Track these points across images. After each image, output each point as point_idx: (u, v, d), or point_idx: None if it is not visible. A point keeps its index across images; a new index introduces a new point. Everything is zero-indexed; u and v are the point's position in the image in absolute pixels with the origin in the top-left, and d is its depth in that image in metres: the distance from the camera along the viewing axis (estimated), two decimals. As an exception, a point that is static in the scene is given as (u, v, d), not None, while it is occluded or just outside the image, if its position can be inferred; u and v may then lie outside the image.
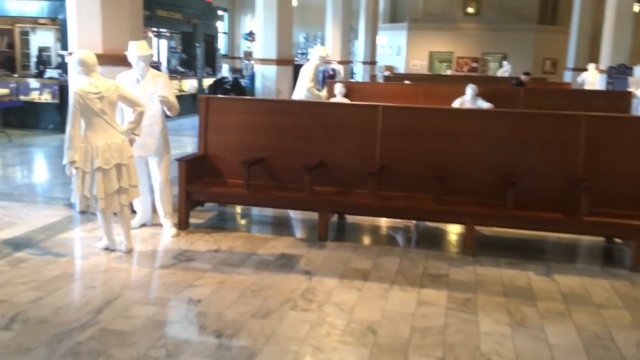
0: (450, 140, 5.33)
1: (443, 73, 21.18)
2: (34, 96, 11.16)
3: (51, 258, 4.55)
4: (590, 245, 5.58)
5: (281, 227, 5.93)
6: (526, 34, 22.46)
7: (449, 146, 5.33)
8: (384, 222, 5.96)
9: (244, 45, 22.34)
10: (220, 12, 21.82)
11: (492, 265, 4.85)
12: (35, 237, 5.03)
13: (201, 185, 5.53)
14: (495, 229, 5.44)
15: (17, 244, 4.83)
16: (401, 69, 22.56)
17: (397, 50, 24.00)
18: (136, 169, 4.79)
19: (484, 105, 8.95)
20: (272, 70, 10.93)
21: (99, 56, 5.50)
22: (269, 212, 6.15)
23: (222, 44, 22.60)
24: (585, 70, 15.47)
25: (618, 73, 14.00)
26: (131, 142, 4.73)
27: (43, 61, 12.12)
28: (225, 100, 6.18)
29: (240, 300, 3.95)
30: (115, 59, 5.49)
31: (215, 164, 5.74)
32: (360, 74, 19.61)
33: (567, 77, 19.09)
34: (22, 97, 11.06)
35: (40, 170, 8.39)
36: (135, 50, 4.99)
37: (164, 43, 16.78)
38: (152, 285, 4.16)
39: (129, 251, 4.76)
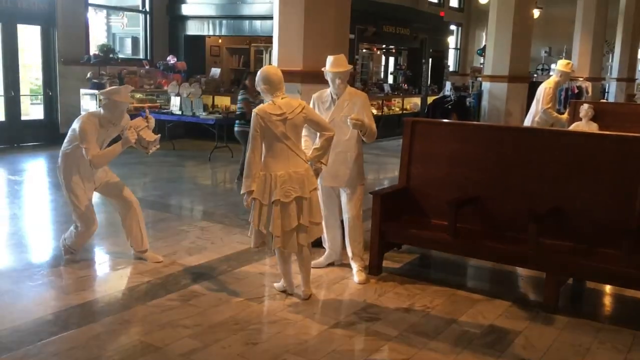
0: None
1: None
2: (260, 113, 11.48)
3: (224, 296, 4.09)
4: None
5: (495, 284, 4.74)
6: None
7: None
8: (641, 294, 4.39)
9: (477, 61, 20.99)
10: (452, 27, 20.81)
11: None
12: (217, 268, 4.67)
13: (398, 225, 4.64)
14: None
15: (197, 274, 4.50)
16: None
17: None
18: (320, 204, 4.11)
19: None
20: (502, 88, 9.60)
21: (298, 73, 5.09)
22: (481, 262, 4.96)
23: (452, 60, 21.54)
24: None
25: None
26: (316, 172, 4.07)
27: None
28: (435, 125, 5.20)
29: (425, 394, 2.96)
30: (315, 77, 4.90)
31: (418, 200, 4.81)
32: (612, 93, 16.87)
33: None
34: (251, 114, 11.46)
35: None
36: (329, 65, 4.34)
37: (390, 60, 16.40)
38: (321, 352, 3.38)
39: (307, 298, 4.08)
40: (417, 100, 14.83)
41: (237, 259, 4.89)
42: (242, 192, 3.90)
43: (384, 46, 16.45)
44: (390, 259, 4.89)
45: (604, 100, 14.56)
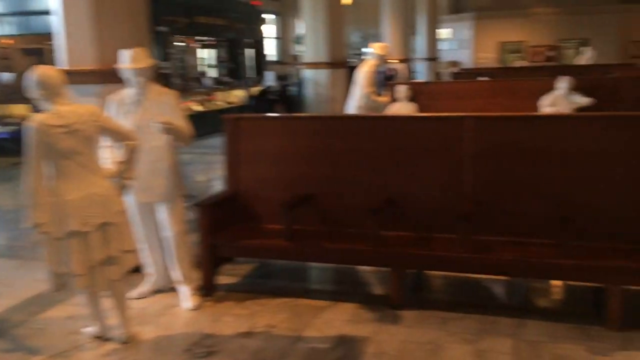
0: (577, 161, 3.73)
1: (515, 65, 19.07)
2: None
3: (20, 357, 3.27)
4: None
5: (339, 285, 4.45)
6: (608, 15, 20.04)
7: (575, 170, 3.73)
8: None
9: (297, 50, 21.11)
10: (270, 16, 20.65)
11: (656, 347, 3.23)
12: (11, 319, 3.79)
13: (230, 236, 4.14)
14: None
15: (-15, 332, 3.60)
16: (468, 64, 20.63)
17: (462, 44, 22.07)
18: (138, 224, 3.48)
19: (583, 101, 7.19)
20: (324, 74, 9.53)
21: (92, 73, 4.34)
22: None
23: (273, 49, 21.42)
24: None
25: None
26: (123, 189, 3.41)
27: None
28: (260, 120, 4.77)
29: None
30: (113, 75, 4.16)
31: (251, 205, 4.36)
32: (422, 72, 17.92)
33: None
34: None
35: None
36: (126, 61, 3.68)
37: (207, 52, 15.70)
38: (148, 409, 2.79)
39: (128, 340, 3.42)
40: (241, 93, 14.36)
41: (38, 302, 4.03)
42: (27, 225, 3.11)
43: (203, 38, 15.69)
44: (226, 273, 4.37)
45: (417, 80, 15.33)
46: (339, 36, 9.72)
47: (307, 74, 9.90)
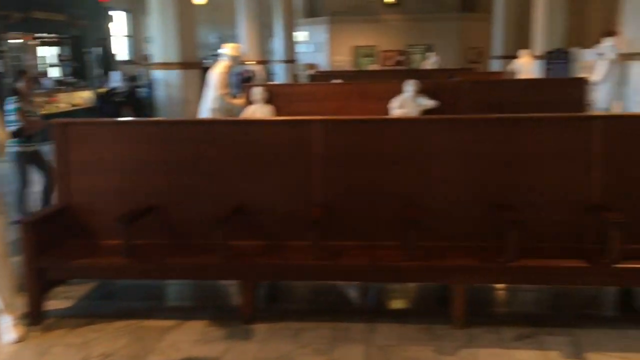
0: (420, 163, 3.80)
1: (368, 68, 19.80)
2: None
3: None
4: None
5: (189, 300, 4.18)
6: (449, 22, 21.51)
7: (419, 172, 3.79)
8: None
9: (148, 49, 20.13)
10: (120, 13, 19.51)
11: (495, 341, 3.38)
12: None
13: (60, 256, 3.69)
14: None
15: None
16: (324, 66, 21.06)
17: (318, 47, 22.49)
18: None
19: (428, 103, 7.55)
20: (175, 75, 9.08)
21: None
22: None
23: (124, 48, 20.27)
24: (515, 57, 14.53)
25: (556, 58, 13.06)
26: None
27: None
28: (95, 126, 4.30)
29: None
30: None
31: (85, 220, 3.94)
32: (280, 74, 17.96)
33: (494, 66, 18.25)
34: None
35: None
36: None
37: (52, 50, 14.44)
38: None
39: None
40: (87, 94, 13.35)
41: None
42: None
43: (42, 35, 14.38)
44: (59, 297, 3.90)
45: (275, 82, 15.32)
46: (190, 35, 9.33)
47: (158, 74, 9.39)
